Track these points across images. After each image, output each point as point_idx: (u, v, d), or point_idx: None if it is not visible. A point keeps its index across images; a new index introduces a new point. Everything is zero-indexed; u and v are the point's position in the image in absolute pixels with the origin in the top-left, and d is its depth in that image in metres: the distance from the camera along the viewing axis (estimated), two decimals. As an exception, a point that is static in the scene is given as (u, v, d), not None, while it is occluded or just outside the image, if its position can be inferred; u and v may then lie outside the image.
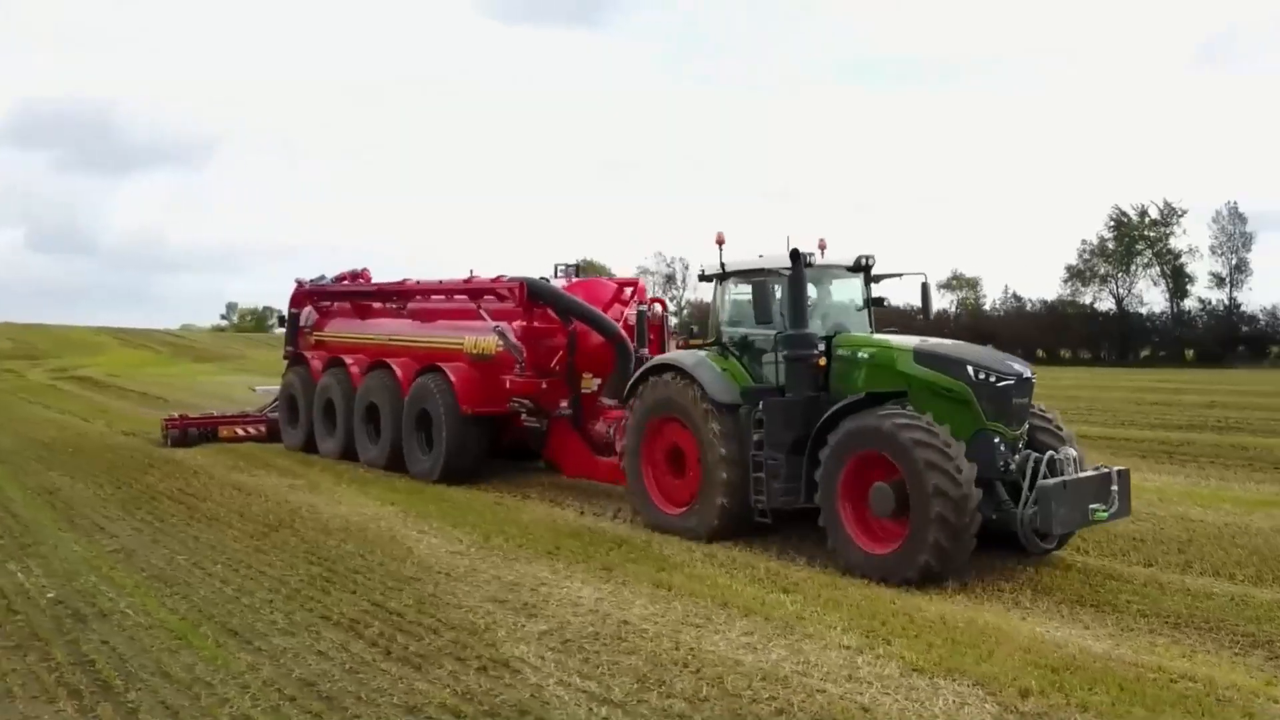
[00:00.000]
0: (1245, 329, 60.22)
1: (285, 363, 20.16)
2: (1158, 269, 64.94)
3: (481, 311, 15.49)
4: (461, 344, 15.83)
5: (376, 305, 18.50)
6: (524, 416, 15.23)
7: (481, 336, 15.41)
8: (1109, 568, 10.00)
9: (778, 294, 11.07)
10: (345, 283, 19.58)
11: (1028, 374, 9.96)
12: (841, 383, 10.69)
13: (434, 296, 17.26)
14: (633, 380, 12.44)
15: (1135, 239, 65.36)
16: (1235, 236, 62.57)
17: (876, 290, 12.02)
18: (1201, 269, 63.94)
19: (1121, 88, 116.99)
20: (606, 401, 14.60)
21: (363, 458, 17.21)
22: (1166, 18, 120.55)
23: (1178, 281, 63.99)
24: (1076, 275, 67.59)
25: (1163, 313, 64.59)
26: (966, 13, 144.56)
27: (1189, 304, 64.13)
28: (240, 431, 20.03)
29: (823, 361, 10.75)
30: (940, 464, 9.03)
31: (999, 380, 9.72)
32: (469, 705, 6.41)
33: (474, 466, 15.66)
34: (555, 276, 15.88)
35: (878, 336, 11.12)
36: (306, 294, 19.93)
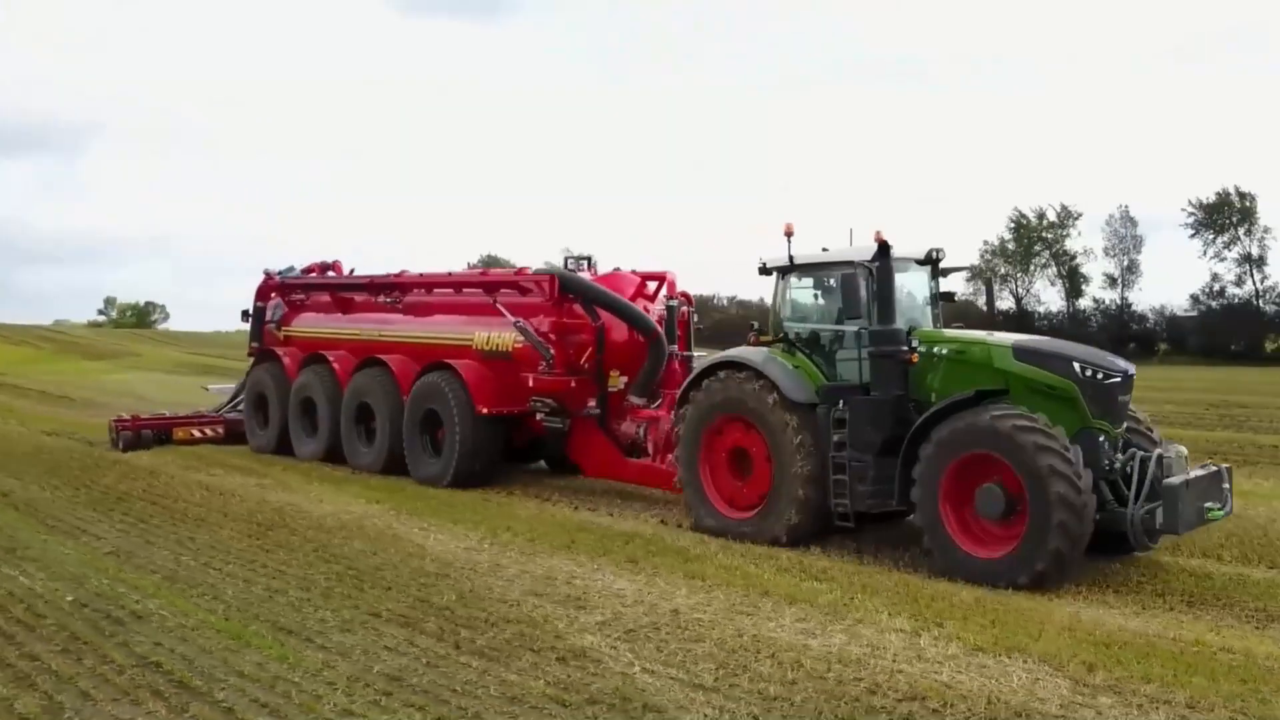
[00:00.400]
0: (1135, 327, 63.14)
1: (250, 360, 19.38)
2: (1055, 269, 67.70)
3: (498, 305, 14.86)
4: (471, 340, 15.20)
5: (359, 299, 17.75)
6: (542, 416, 14.58)
7: (496, 332, 14.89)
8: (1109, 551, 10.50)
9: (863, 288, 10.69)
10: (314, 275, 18.92)
11: (1131, 370, 9.86)
12: (922, 380, 10.41)
13: (437, 290, 16.58)
14: (690, 379, 11.97)
15: (1034, 240, 67.99)
16: (1127, 239, 65.64)
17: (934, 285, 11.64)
18: (1096, 270, 66.85)
19: (1040, 93, 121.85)
20: (634, 400, 14.24)
21: (353, 462, 16.42)
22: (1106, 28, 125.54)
23: (1073, 282, 66.74)
24: (978, 275, 70.05)
25: (1059, 312, 67.26)
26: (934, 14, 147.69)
27: (1084, 303, 66.96)
28: (197, 433, 19.18)
29: (915, 358, 10.38)
30: (1063, 470, 8.82)
31: (1106, 377, 9.58)
32: (570, 694, 6.48)
33: (488, 470, 15.04)
34: (572, 269, 15.21)
35: (965, 332, 10.91)
36: (276, 286, 19.05)
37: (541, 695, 6.47)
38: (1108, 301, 65.92)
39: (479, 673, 6.90)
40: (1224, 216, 60.82)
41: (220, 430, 19.25)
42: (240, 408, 19.44)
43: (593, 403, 14.30)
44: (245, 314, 19.34)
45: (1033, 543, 8.97)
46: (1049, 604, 8.69)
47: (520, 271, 15.16)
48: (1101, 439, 9.52)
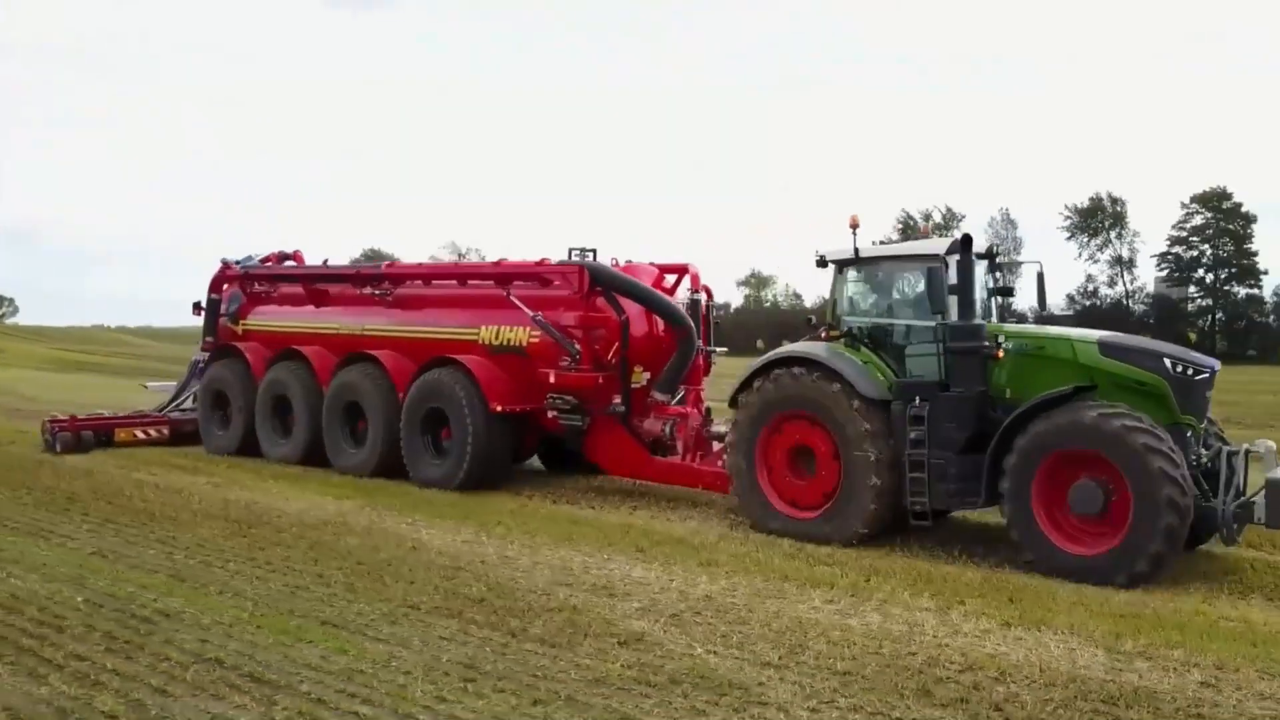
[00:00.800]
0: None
1: (205, 355, 18.36)
2: (939, 270, 70.54)
3: (512, 298, 14.15)
4: (477, 334, 14.54)
5: (335, 290, 16.84)
6: (557, 414, 13.94)
7: (507, 326, 14.26)
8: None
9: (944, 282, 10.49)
10: (271, 264, 18.12)
11: (1216, 366, 10.00)
12: (991, 375, 10.37)
13: (436, 281, 15.91)
14: (747, 375, 11.60)
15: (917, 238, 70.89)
16: (1008, 240, 69.02)
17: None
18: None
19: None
20: (658, 396, 13.83)
21: (338, 464, 15.59)
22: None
23: (957, 282, 69.73)
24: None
25: (944, 310, 70.11)
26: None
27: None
28: (140, 434, 18.12)
29: (1001, 354, 10.29)
30: (1172, 474, 8.86)
31: (1195, 373, 9.68)
32: (650, 675, 6.65)
33: (501, 470, 14.52)
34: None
35: (1040, 328, 10.96)
36: (236, 277, 18.01)
37: (622, 678, 6.63)
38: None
39: (550, 659, 7.01)
40: (1097, 220, 64.46)
41: (165, 431, 18.31)
42: (184, 407, 18.75)
43: (617, 399, 13.76)
44: (197, 306, 18.35)
45: (1136, 543, 9.02)
46: (1051, 582, 9.27)
47: (542, 263, 14.53)
48: (1189, 434, 9.67)
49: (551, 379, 13.75)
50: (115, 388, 36.42)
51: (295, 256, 18.34)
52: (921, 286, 10.79)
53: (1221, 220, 75.07)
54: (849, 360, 10.89)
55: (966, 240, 10.64)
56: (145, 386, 23.10)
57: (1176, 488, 8.88)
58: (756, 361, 11.72)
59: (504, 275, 14.81)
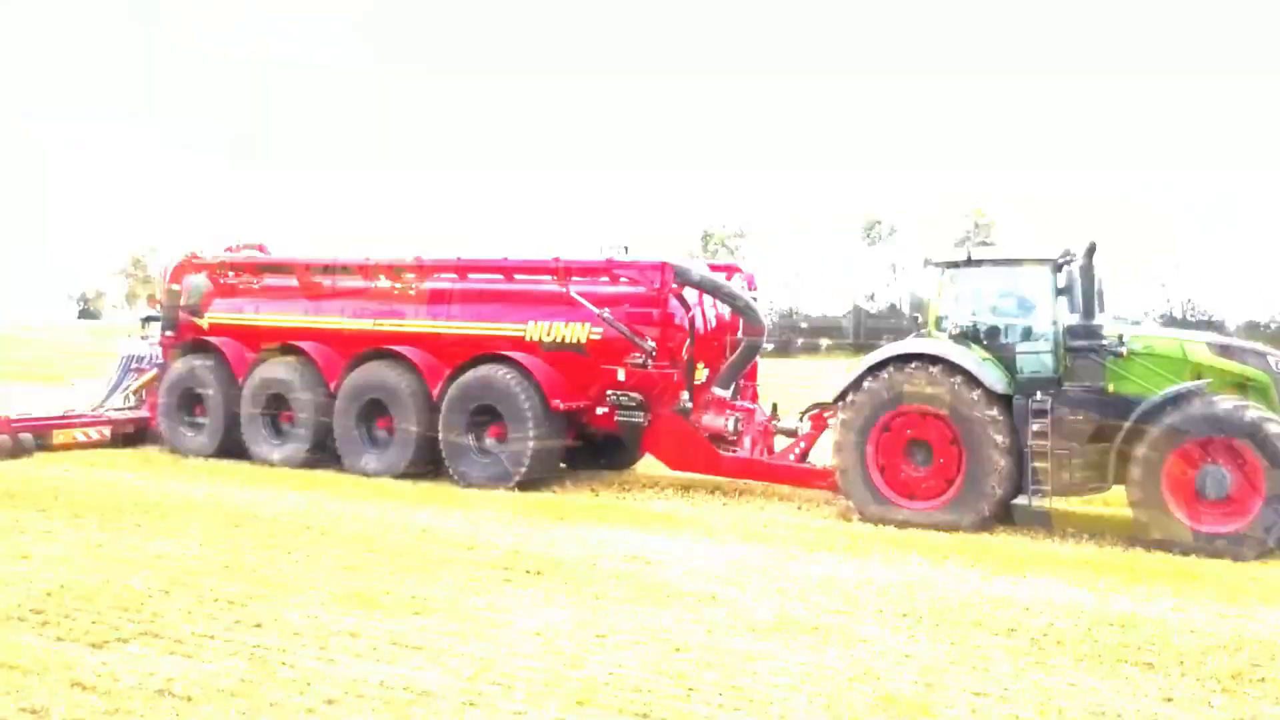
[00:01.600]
0: (804, 325, 71.41)
1: (132, 352, 17.62)
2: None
3: (574, 295, 14.02)
4: (524, 331, 14.31)
5: (329, 283, 15.99)
6: (619, 411, 13.93)
7: (562, 322, 14.12)
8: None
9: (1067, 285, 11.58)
10: (230, 253, 17.21)
11: None
12: (1108, 371, 11.37)
13: (472, 275, 15.26)
14: (860, 372, 12.13)
15: (717, 248, 74.71)
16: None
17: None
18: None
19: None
20: (717, 392, 14.21)
21: (356, 466, 14.92)
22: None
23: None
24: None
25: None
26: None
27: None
28: (80, 436, 16.66)
29: (1125, 352, 11.29)
30: None
31: None
32: (754, 625, 7.66)
33: (554, 469, 14.64)
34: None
35: (1147, 328, 12.05)
36: (204, 266, 16.86)
37: (733, 629, 7.59)
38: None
39: (654, 617, 7.81)
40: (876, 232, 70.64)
41: (106, 433, 17.08)
42: (116, 406, 17.80)
43: (685, 395, 13.94)
44: (152, 298, 17.15)
45: (1265, 525, 10.22)
46: (1001, 537, 11.09)
47: (610, 261, 14.39)
48: None
49: (621, 376, 13.74)
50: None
51: (259, 249, 17.57)
52: (1035, 288, 12.00)
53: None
54: (972, 356, 11.70)
55: (1092, 247, 11.72)
56: (71, 384, 21.48)
57: None
58: (868, 359, 12.27)
59: (563, 271, 14.48)
